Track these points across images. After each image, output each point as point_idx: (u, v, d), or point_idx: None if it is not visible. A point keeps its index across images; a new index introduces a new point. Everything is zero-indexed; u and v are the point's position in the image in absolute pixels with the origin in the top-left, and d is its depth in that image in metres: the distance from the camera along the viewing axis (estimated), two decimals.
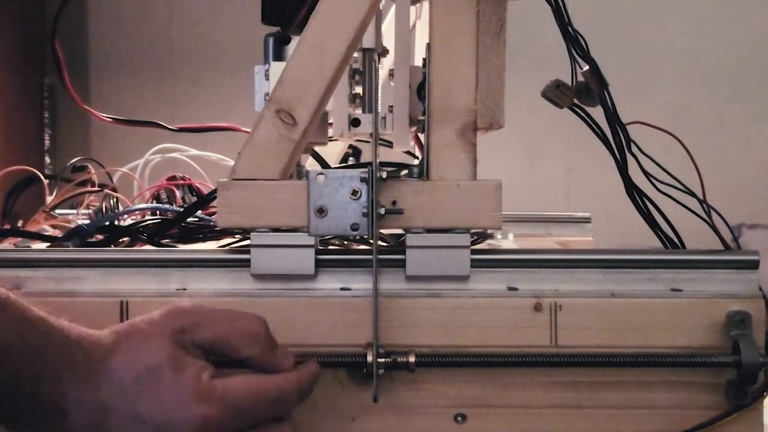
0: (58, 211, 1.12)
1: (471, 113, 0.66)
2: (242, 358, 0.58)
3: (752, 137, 2.59)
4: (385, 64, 0.88)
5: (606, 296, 0.66)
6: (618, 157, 0.72)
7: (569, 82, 0.73)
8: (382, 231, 0.74)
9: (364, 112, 0.84)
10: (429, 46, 0.66)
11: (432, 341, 0.65)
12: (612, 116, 0.72)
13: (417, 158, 0.97)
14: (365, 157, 1.16)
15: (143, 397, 0.54)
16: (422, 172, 0.67)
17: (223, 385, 0.55)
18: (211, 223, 0.92)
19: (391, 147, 0.88)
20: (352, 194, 0.65)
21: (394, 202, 0.65)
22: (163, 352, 0.55)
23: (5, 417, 0.55)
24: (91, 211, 1.07)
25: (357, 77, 0.84)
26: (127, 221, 0.96)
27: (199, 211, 0.92)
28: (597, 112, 0.73)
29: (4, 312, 0.53)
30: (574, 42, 0.71)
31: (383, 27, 0.88)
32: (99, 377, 0.54)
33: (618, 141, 0.72)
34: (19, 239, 0.90)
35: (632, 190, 0.73)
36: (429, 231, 0.66)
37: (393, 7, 0.86)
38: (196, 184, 1.11)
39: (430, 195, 0.65)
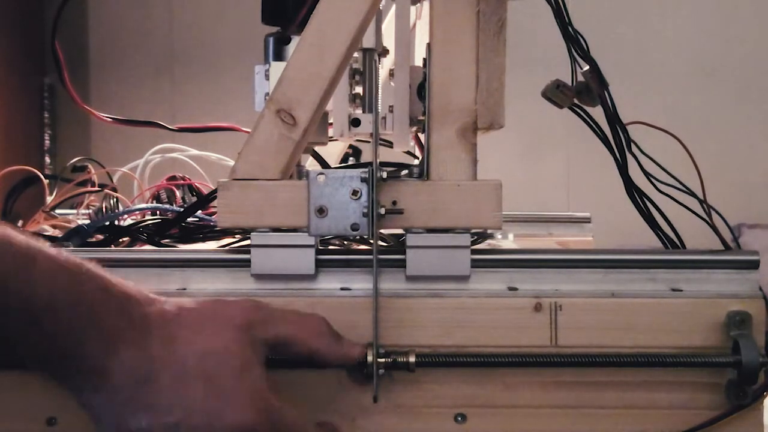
0: (58, 211, 1.12)
1: (471, 113, 0.66)
2: (310, 353, 0.59)
3: (753, 137, 2.59)
4: (386, 64, 0.88)
5: (606, 296, 0.66)
6: (618, 157, 0.72)
7: (569, 82, 0.73)
8: (382, 231, 0.74)
9: (364, 112, 0.84)
10: (429, 46, 0.66)
11: (432, 341, 0.65)
12: (612, 116, 0.72)
13: (417, 158, 0.97)
14: (365, 157, 1.16)
15: (203, 374, 0.54)
16: (422, 172, 0.67)
17: (279, 405, 0.56)
18: (211, 223, 0.92)
19: (392, 147, 0.88)
20: (352, 194, 0.65)
21: (394, 202, 0.65)
22: (233, 341, 0.55)
23: (45, 369, 0.55)
24: (91, 211, 1.07)
25: (357, 77, 0.84)
26: (127, 221, 0.96)
27: (199, 211, 0.92)
28: (597, 112, 0.73)
29: (58, 266, 0.52)
30: (574, 42, 0.71)
31: (383, 27, 0.88)
32: (159, 342, 0.54)
33: (618, 141, 0.72)
34: None
35: (632, 190, 0.73)
36: (429, 231, 0.66)
37: (393, 7, 0.86)
38: (196, 184, 1.11)
39: (430, 195, 0.65)
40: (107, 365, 0.53)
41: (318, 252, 0.66)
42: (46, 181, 1.16)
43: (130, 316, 0.54)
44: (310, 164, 0.98)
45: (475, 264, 0.66)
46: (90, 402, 0.54)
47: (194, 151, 1.20)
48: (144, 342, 0.54)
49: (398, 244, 0.74)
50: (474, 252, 0.67)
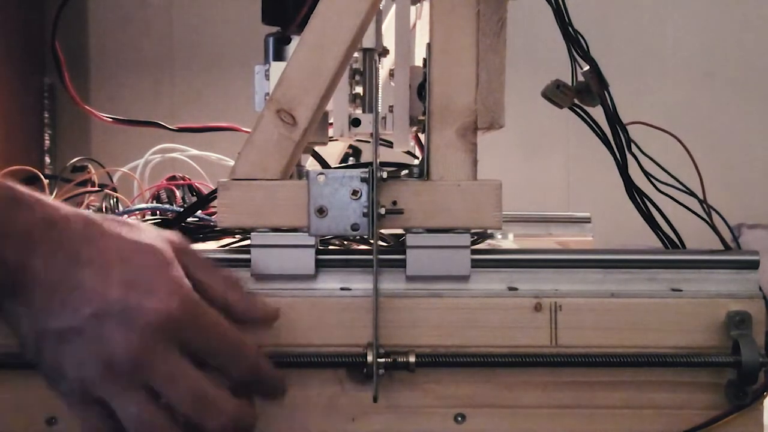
0: None
1: (471, 113, 0.66)
2: (223, 305, 0.59)
3: (752, 137, 2.59)
4: (386, 64, 0.88)
5: (606, 296, 0.66)
6: (618, 157, 0.72)
7: (569, 82, 0.73)
8: (382, 231, 0.74)
9: (364, 112, 0.84)
10: (429, 46, 0.66)
11: (432, 341, 0.65)
12: (612, 116, 0.72)
13: (417, 158, 0.97)
14: (365, 157, 1.16)
15: (123, 265, 0.53)
16: (422, 172, 0.67)
17: (201, 300, 0.56)
18: (211, 223, 0.92)
19: (391, 147, 0.88)
20: (352, 194, 0.65)
21: (394, 202, 0.65)
22: (156, 240, 0.55)
23: None
24: (91, 211, 1.07)
25: (357, 77, 0.84)
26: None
27: (199, 211, 0.92)
28: (597, 112, 0.73)
29: None
30: (574, 42, 0.71)
31: (383, 27, 0.87)
32: (80, 240, 0.52)
33: (618, 141, 0.72)
34: None
35: (632, 190, 0.73)
36: (429, 231, 0.66)
37: (393, 7, 0.86)
38: (196, 184, 1.11)
39: (431, 195, 0.65)
40: (26, 265, 0.51)
41: (318, 252, 0.66)
42: (46, 181, 1.16)
43: (49, 217, 0.53)
44: (310, 164, 0.98)
45: (475, 264, 0.66)
46: (9, 309, 0.53)
47: (194, 151, 1.20)
48: (64, 240, 0.52)
49: (398, 244, 0.74)
50: (474, 252, 0.67)
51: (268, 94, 0.74)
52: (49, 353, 0.53)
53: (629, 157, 0.72)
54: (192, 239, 0.88)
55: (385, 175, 0.65)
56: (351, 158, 1.14)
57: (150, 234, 0.57)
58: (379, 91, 0.82)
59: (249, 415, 0.58)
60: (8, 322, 0.54)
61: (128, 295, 0.53)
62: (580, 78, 0.73)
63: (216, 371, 0.57)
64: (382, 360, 0.63)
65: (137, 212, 0.98)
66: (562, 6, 0.70)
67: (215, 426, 0.55)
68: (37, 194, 0.53)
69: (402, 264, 0.66)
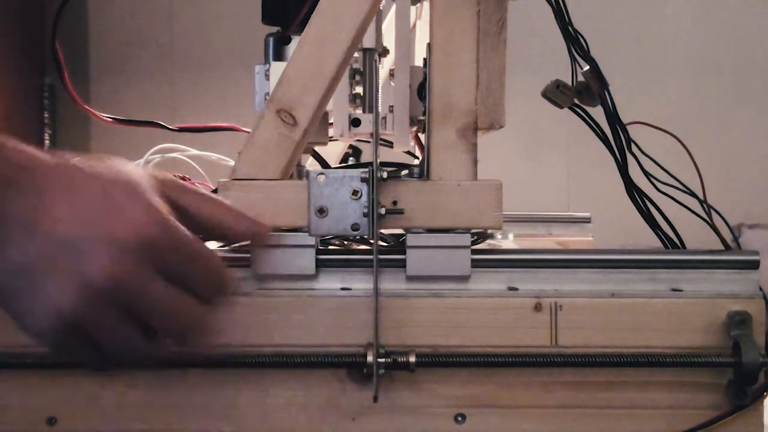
0: None
1: (471, 113, 0.66)
2: (213, 226, 0.59)
3: (752, 137, 2.59)
4: (386, 64, 0.88)
5: (606, 296, 0.66)
6: (618, 157, 0.72)
7: (569, 82, 0.73)
8: (382, 231, 0.74)
9: (364, 112, 0.84)
10: (429, 46, 0.66)
11: (432, 341, 0.65)
12: (612, 116, 0.72)
13: (417, 158, 0.97)
14: (365, 157, 1.16)
15: (96, 189, 0.52)
16: (423, 172, 0.67)
17: (173, 222, 0.55)
18: None
19: (392, 147, 0.88)
20: (352, 194, 0.65)
21: (394, 202, 0.65)
22: (133, 171, 0.55)
23: None
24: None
25: (357, 77, 0.84)
26: None
27: None
28: (597, 112, 0.73)
29: None
30: (574, 42, 0.71)
31: (383, 27, 0.88)
32: (51, 175, 0.52)
33: (618, 141, 0.72)
34: None
35: (632, 190, 0.73)
36: (429, 231, 0.66)
37: (393, 7, 0.86)
38: (196, 184, 1.11)
39: (431, 195, 0.65)
40: None
41: (318, 252, 0.66)
42: None
43: (26, 162, 0.52)
44: (310, 164, 0.98)
45: (475, 264, 0.66)
46: None
47: (194, 151, 1.19)
48: (37, 180, 0.51)
49: (398, 244, 0.74)
50: (474, 252, 0.67)
51: (268, 94, 0.74)
52: (12, 287, 0.51)
53: (629, 157, 0.72)
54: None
55: (385, 175, 0.65)
56: (351, 158, 1.14)
57: (131, 168, 0.56)
58: (379, 91, 0.82)
59: (213, 321, 0.58)
60: None
61: (102, 217, 0.52)
62: (580, 78, 0.73)
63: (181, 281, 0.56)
64: (383, 360, 0.63)
65: None
66: (562, 6, 0.70)
67: (181, 330, 0.56)
68: (24, 145, 0.53)
69: (402, 264, 0.66)
